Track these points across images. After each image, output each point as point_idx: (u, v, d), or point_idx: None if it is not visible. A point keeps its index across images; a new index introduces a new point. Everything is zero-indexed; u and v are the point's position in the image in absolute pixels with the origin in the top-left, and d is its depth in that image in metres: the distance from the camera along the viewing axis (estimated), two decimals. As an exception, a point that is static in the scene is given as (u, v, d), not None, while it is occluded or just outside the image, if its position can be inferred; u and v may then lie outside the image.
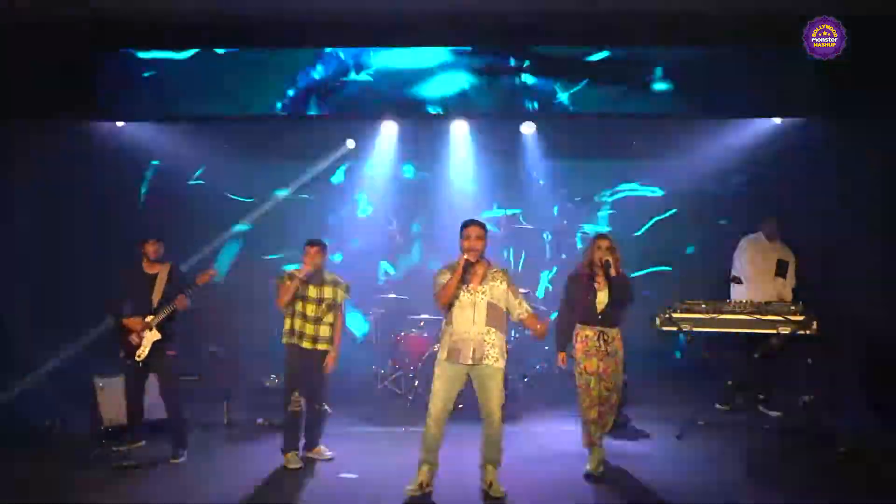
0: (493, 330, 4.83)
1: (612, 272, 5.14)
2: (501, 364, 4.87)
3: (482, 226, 4.89)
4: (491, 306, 4.83)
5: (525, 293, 8.00)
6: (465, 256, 4.79)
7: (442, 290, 4.84)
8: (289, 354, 5.53)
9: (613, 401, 5.33)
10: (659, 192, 8.73)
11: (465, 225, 4.91)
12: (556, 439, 6.20)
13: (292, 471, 5.41)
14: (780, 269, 6.88)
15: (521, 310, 4.93)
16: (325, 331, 5.55)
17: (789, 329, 5.83)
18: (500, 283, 4.89)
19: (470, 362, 4.79)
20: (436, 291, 4.89)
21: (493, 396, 4.84)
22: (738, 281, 7.04)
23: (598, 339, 5.21)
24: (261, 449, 6.03)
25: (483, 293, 4.84)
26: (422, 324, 7.59)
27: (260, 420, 6.49)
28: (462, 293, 4.84)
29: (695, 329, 6.00)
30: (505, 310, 4.92)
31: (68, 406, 6.51)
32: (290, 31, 6.00)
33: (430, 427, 4.84)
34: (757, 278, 6.94)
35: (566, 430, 6.36)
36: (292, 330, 5.50)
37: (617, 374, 5.28)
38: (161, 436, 5.89)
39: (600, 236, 5.34)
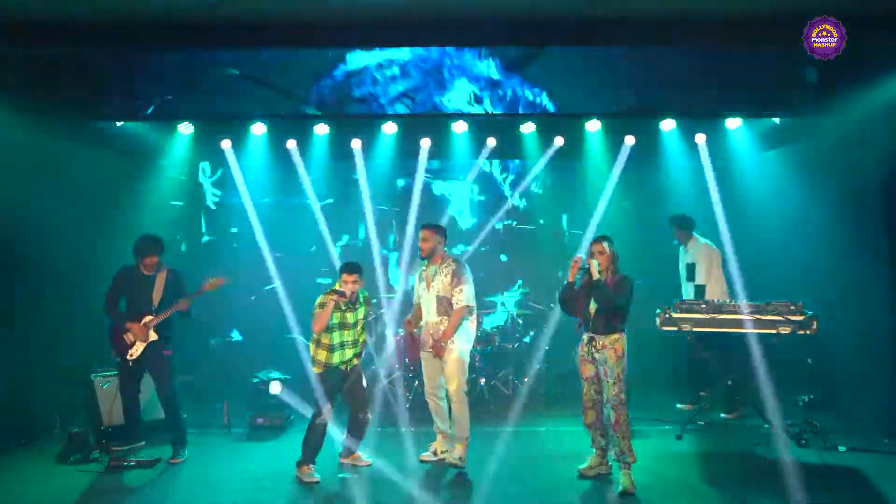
0: (446, 319, 5.46)
1: (594, 277, 5.05)
2: (455, 346, 5.42)
3: (432, 229, 5.56)
4: (440, 299, 5.49)
5: (526, 293, 8.14)
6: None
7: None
8: (328, 378, 5.39)
9: (613, 420, 5.03)
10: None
11: (423, 228, 5.61)
12: (555, 439, 6.20)
13: (307, 483, 5.25)
14: (689, 273, 6.97)
15: (453, 300, 5.45)
16: (360, 346, 5.59)
17: (789, 329, 5.83)
18: (446, 275, 5.49)
19: (428, 349, 5.54)
20: None
21: (449, 376, 5.45)
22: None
23: (589, 344, 5.17)
24: (261, 449, 6.03)
25: (433, 289, 5.53)
26: (422, 324, 7.57)
27: (260, 420, 6.49)
28: (422, 291, 5.60)
29: (695, 329, 6.00)
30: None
31: (68, 406, 6.52)
32: (291, 31, 5.99)
33: (428, 403, 5.69)
34: (682, 285, 7.12)
35: (566, 430, 6.37)
36: (330, 363, 5.36)
37: (606, 385, 5.04)
38: (161, 436, 5.90)
39: (595, 240, 5.25)
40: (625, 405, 5.04)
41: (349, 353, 5.44)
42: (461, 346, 5.45)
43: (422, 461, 5.61)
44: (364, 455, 5.68)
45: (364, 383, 5.62)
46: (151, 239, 5.80)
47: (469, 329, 5.54)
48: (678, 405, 7.00)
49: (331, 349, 5.35)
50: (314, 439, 5.36)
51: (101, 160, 7.44)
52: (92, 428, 6.14)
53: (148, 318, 5.67)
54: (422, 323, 5.67)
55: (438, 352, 5.46)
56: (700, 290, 6.82)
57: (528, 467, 5.50)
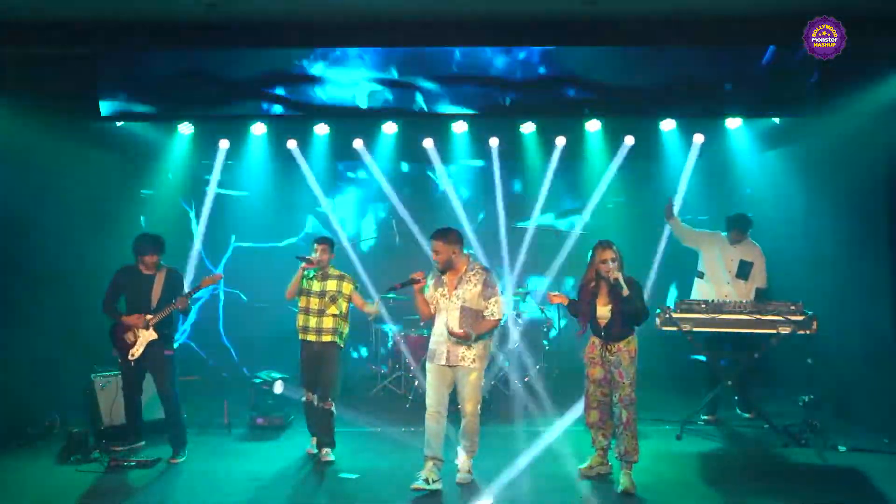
0: (469, 332, 4.96)
1: (624, 293, 4.92)
2: (477, 365, 5.01)
3: (443, 238, 4.97)
4: (465, 310, 4.99)
5: (526, 293, 8.13)
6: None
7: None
8: (301, 349, 5.83)
9: (625, 419, 4.98)
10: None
11: (432, 237, 5.07)
12: (555, 439, 6.19)
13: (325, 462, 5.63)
14: (742, 271, 6.68)
15: (486, 312, 5.03)
16: (328, 322, 5.73)
17: (789, 329, 5.83)
18: (475, 285, 5.01)
19: (443, 363, 5.02)
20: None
21: (466, 396, 5.03)
22: (701, 275, 6.88)
23: (602, 348, 5.10)
24: (261, 449, 6.04)
25: (457, 298, 5.01)
26: (422, 324, 7.59)
27: (260, 420, 6.49)
28: (440, 299, 5.06)
29: (695, 329, 6.00)
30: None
31: (68, 406, 6.52)
32: (290, 31, 6.00)
33: (427, 421, 5.06)
34: (713, 276, 6.80)
35: (566, 430, 6.37)
36: (299, 325, 5.80)
37: (621, 386, 5.00)
38: (161, 436, 5.90)
39: (602, 246, 5.08)
40: (634, 404, 5.02)
41: (313, 321, 5.73)
42: (481, 364, 5.08)
43: (414, 490, 4.91)
44: (329, 453, 5.69)
45: (333, 369, 5.75)
46: (151, 238, 5.79)
47: (490, 347, 5.24)
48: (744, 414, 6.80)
49: (299, 311, 5.80)
50: (306, 415, 5.86)
51: (101, 160, 7.43)
52: (92, 428, 6.14)
53: (147, 317, 5.67)
54: (432, 332, 5.17)
55: (461, 337, 4.94)
56: (762, 294, 6.59)
57: (528, 467, 5.49)
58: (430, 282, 5.15)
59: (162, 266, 5.81)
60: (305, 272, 5.71)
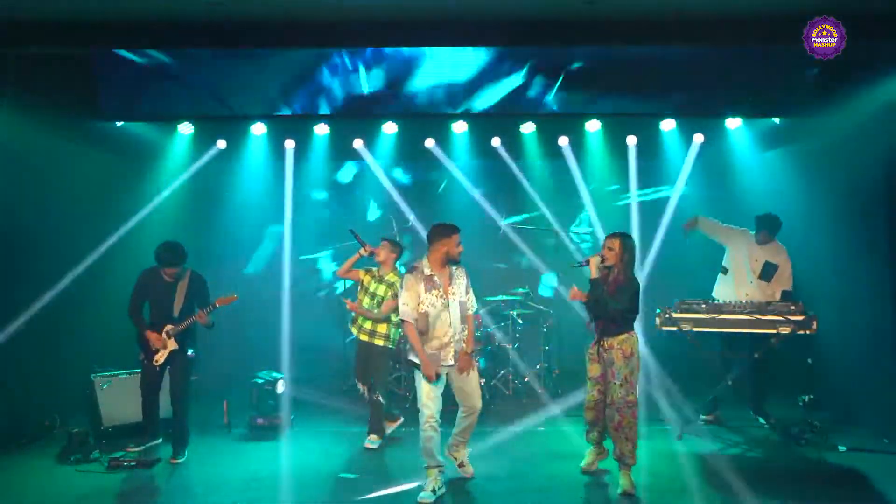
0: (464, 325, 5.02)
1: (591, 275, 5.02)
2: (471, 349, 5.03)
3: (459, 230, 5.02)
4: (461, 305, 5.00)
5: (525, 293, 8.11)
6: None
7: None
8: (355, 344, 6.19)
9: (616, 422, 4.90)
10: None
11: (455, 231, 4.98)
12: (555, 439, 6.20)
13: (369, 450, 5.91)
14: (766, 272, 6.59)
15: (468, 304, 5.08)
16: (368, 323, 6.03)
17: (789, 329, 5.83)
18: (463, 278, 5.05)
19: (450, 363, 4.91)
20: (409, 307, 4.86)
21: (472, 391, 5.02)
22: (725, 271, 6.81)
23: (598, 343, 5.11)
24: (261, 449, 6.03)
25: (453, 295, 4.96)
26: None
27: (260, 420, 6.49)
28: (435, 300, 4.87)
29: (695, 329, 5.99)
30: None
31: (68, 406, 6.52)
32: (291, 31, 6.00)
33: (428, 432, 4.84)
34: (737, 275, 6.70)
35: (566, 429, 6.37)
36: (352, 317, 6.17)
37: (612, 387, 4.93)
38: (162, 435, 5.90)
39: (610, 235, 5.13)
40: (632, 407, 4.93)
41: (361, 320, 6.05)
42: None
43: None
44: (374, 440, 5.96)
45: (376, 365, 5.99)
46: (172, 248, 5.65)
47: None
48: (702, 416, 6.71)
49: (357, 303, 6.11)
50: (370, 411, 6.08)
51: (101, 160, 7.43)
52: (92, 428, 6.14)
53: (168, 328, 5.68)
54: (425, 339, 4.89)
55: (466, 365, 4.95)
56: (787, 297, 6.48)
57: (527, 467, 5.50)
58: (406, 282, 4.88)
59: (185, 271, 5.78)
60: (362, 262, 6.07)
